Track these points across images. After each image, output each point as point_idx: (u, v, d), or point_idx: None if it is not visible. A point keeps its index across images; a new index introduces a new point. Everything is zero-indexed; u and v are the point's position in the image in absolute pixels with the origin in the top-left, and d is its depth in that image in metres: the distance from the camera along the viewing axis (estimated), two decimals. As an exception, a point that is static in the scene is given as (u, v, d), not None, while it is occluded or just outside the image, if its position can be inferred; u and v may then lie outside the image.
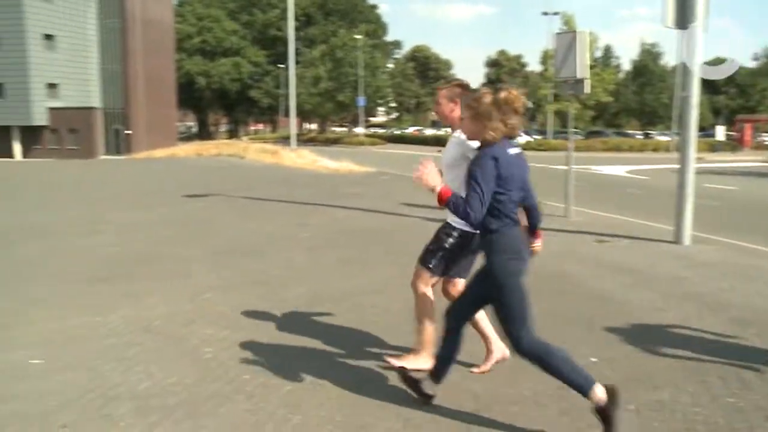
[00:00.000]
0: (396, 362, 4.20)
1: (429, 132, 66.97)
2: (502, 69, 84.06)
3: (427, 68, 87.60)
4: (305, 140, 56.15)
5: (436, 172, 3.29)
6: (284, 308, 5.88)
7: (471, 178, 3.15)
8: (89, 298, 6.24)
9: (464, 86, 4.06)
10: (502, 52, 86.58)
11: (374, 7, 79.81)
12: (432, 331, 4.12)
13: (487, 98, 3.24)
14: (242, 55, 70.69)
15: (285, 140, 49.98)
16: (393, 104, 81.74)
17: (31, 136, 45.22)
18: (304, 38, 67.96)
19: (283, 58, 70.15)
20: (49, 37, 45.57)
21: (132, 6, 47.98)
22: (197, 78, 67.23)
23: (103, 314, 5.77)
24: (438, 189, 3.19)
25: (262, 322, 5.49)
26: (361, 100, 58.11)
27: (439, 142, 42.81)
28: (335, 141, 60.32)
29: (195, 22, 68.55)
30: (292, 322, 5.51)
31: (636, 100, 60.37)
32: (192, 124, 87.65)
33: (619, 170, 26.43)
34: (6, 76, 44.63)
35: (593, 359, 4.53)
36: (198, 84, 67.67)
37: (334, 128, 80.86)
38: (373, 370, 4.39)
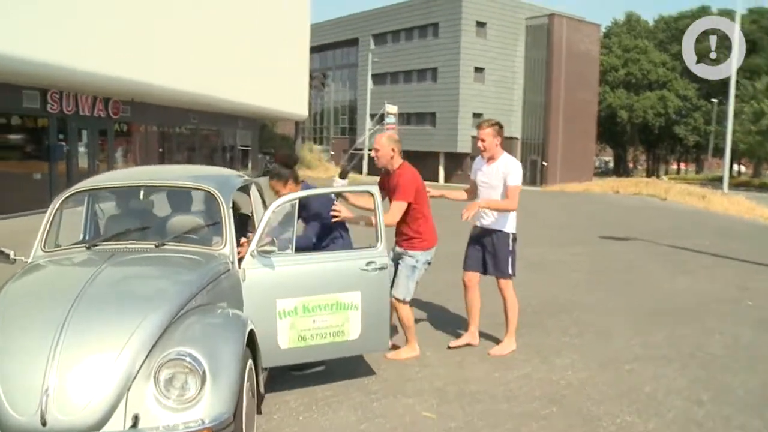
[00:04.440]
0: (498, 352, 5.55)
1: None
2: None
3: None
4: (735, 184, 50.19)
5: None
6: (726, 402, 4.57)
7: None
8: (490, 346, 5.76)
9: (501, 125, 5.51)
10: None
11: None
12: None
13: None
14: (669, 89, 66.79)
15: (711, 182, 45.50)
16: None
17: (454, 161, 49.51)
18: (744, 68, 60.87)
19: (716, 91, 64.24)
20: (479, 70, 49.46)
21: (559, 39, 49.11)
22: (619, 112, 65.70)
23: (503, 369, 5.22)
24: None
25: (698, 419, 4.26)
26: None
27: None
28: (774, 187, 52.88)
29: (620, 53, 67.16)
30: (737, 426, 4.17)
31: None
32: (608, 159, 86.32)
33: None
34: (439, 106, 49.78)
35: None
36: (619, 118, 66.10)
37: (771, 173, 71.11)
38: None
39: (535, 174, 49.15)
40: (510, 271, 5.50)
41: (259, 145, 34.45)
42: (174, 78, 18.53)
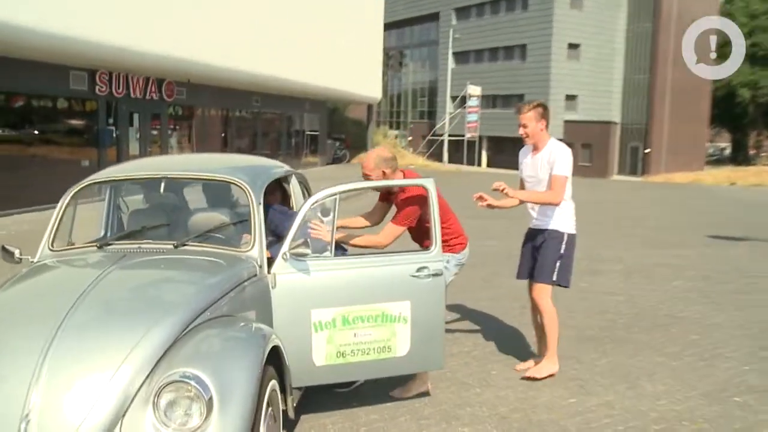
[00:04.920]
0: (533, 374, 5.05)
1: None
2: None
3: None
4: None
5: None
6: None
7: None
8: (568, 366, 5.36)
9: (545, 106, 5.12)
10: None
11: None
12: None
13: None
14: (808, 61, 62.86)
15: None
16: None
17: (545, 150, 48.30)
18: None
19: None
20: (573, 46, 48.10)
21: (669, 7, 47.06)
22: (740, 90, 62.48)
23: (581, 394, 4.84)
24: None
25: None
26: None
27: None
28: None
29: (746, 21, 63.54)
30: None
31: None
32: (724, 145, 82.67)
33: None
34: (528, 87, 48.77)
35: None
36: (740, 97, 62.87)
37: None
38: None
39: (635, 162, 47.55)
40: (553, 277, 5.03)
41: (329, 129, 34.58)
42: (233, 57, 18.66)
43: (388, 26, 42.79)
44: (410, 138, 58.17)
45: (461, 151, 48.42)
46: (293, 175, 5.08)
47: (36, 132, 14.92)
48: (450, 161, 46.48)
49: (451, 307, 6.63)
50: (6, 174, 13.38)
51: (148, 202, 4.76)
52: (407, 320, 4.22)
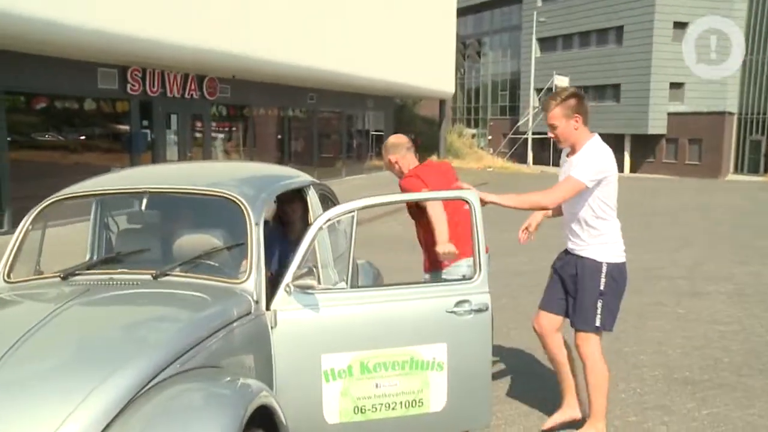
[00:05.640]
0: None
1: None
2: None
3: None
4: None
5: None
6: None
7: None
8: (656, 418, 4.86)
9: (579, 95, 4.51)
10: None
11: None
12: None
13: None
14: None
15: None
16: None
17: (644, 146, 47.09)
18: None
19: None
20: (680, 25, 46.56)
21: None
22: None
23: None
24: None
25: None
26: None
27: None
28: None
29: None
30: None
31: None
32: None
33: None
34: (625, 76, 47.59)
35: None
36: None
37: None
38: None
39: (756, 159, 45.84)
40: (596, 322, 4.38)
41: (396, 129, 34.38)
42: (283, 49, 18.57)
43: (463, 11, 42.51)
44: (490, 137, 57.70)
45: (547, 150, 47.56)
46: (311, 187, 4.71)
47: (60, 137, 15.05)
48: (534, 162, 45.79)
49: (496, 347, 6.14)
50: (26, 184, 13.45)
51: (131, 222, 4.50)
52: (443, 367, 3.83)
